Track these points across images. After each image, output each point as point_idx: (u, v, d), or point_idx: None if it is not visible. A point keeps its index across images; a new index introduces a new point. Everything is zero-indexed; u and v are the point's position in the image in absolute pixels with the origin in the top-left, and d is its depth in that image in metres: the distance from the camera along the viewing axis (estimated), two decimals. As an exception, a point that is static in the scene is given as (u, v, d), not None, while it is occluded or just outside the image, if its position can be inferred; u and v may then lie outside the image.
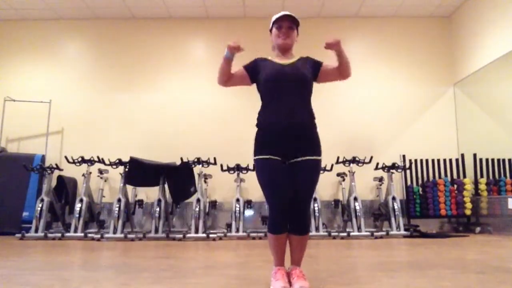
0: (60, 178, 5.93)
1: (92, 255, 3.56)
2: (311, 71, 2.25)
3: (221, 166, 5.61)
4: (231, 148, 6.40)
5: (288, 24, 2.25)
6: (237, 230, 5.26)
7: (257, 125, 2.19)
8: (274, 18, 2.26)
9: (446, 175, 6.30)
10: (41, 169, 5.63)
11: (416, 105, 6.76)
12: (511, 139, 5.84)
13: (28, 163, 5.74)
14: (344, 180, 6.12)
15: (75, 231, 5.16)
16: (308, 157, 2.08)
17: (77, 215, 5.22)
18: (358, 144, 6.53)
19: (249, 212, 6.19)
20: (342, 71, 2.32)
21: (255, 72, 2.25)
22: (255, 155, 2.13)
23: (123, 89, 6.79)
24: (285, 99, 2.11)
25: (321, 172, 5.60)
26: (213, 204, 6.05)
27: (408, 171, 6.31)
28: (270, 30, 2.32)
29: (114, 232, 5.07)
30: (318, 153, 2.13)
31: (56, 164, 5.67)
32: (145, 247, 4.20)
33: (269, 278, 2.31)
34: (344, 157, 5.69)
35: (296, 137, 2.08)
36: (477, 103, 6.40)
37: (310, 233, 5.19)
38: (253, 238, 5.18)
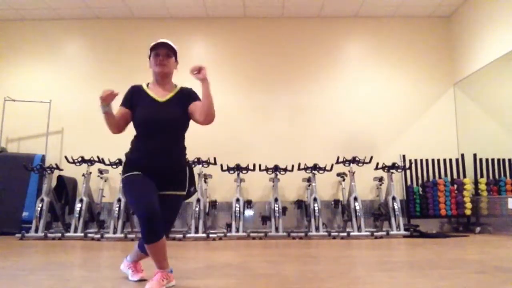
0: (60, 178, 5.92)
1: (92, 255, 3.56)
2: (185, 107, 2.23)
3: (221, 166, 5.61)
4: (231, 148, 6.40)
5: (165, 52, 2.23)
6: (237, 230, 5.26)
7: (126, 155, 2.22)
8: (151, 45, 2.25)
9: (446, 175, 6.30)
10: (41, 169, 5.63)
11: (416, 105, 6.76)
12: (511, 139, 5.84)
13: (28, 163, 5.74)
14: (344, 180, 6.12)
15: (75, 231, 5.16)
16: (171, 192, 2.16)
17: (77, 215, 5.22)
18: (358, 144, 6.53)
19: (249, 212, 6.19)
20: (203, 111, 2.14)
21: (132, 103, 2.25)
22: (123, 174, 2.16)
23: (123, 89, 6.76)
24: (155, 139, 2.14)
25: (319, 172, 5.66)
26: (213, 204, 6.05)
27: (408, 171, 6.31)
28: (149, 57, 2.28)
29: (114, 232, 5.06)
30: (183, 188, 2.22)
31: (56, 164, 5.67)
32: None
33: (269, 279, 2.32)
34: (344, 157, 5.69)
35: (162, 174, 2.12)
36: (477, 103, 6.40)
37: (310, 233, 5.21)
38: (253, 238, 5.18)
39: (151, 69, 2.29)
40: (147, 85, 2.32)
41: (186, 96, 2.28)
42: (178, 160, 2.21)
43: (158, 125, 2.14)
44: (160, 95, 2.23)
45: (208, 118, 2.15)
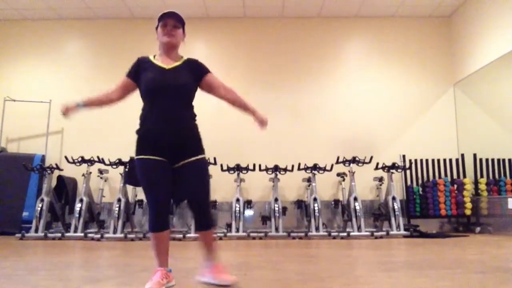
0: (60, 178, 5.93)
1: (92, 255, 3.56)
2: (193, 77, 2.21)
3: (221, 166, 5.61)
4: (231, 148, 6.40)
5: (173, 23, 2.23)
6: (237, 230, 5.26)
7: (137, 132, 2.20)
8: (159, 15, 2.25)
9: (446, 175, 6.30)
10: (41, 169, 5.63)
11: (416, 105, 6.76)
12: (511, 139, 5.84)
13: (28, 163, 5.74)
14: (344, 180, 6.12)
15: (75, 231, 5.16)
16: (190, 159, 2.11)
17: (77, 215, 5.22)
18: (358, 144, 6.53)
19: (249, 212, 6.19)
20: (230, 97, 2.36)
21: (138, 74, 2.23)
22: (136, 155, 2.14)
23: (123, 89, 6.78)
24: (163, 106, 2.10)
25: (319, 172, 5.66)
26: (213, 204, 6.05)
27: (408, 171, 6.31)
28: (156, 28, 2.27)
29: (114, 232, 5.06)
30: (201, 151, 2.17)
31: (56, 164, 5.67)
32: (145, 247, 4.20)
33: (269, 279, 2.32)
34: (344, 157, 5.69)
35: (175, 143, 2.08)
36: (477, 103, 6.40)
37: (310, 233, 5.20)
38: (253, 238, 5.18)
39: (158, 40, 2.26)
40: (154, 56, 2.28)
41: (194, 66, 2.26)
42: (189, 125, 2.16)
43: (164, 90, 2.09)
44: (166, 63, 2.20)
45: (230, 100, 2.31)
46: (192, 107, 2.21)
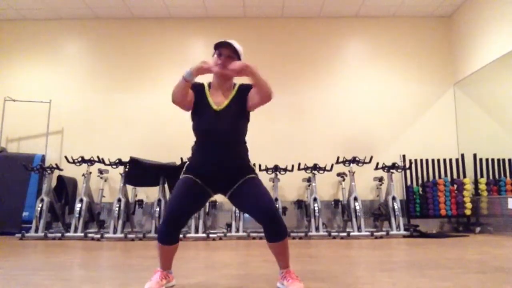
0: (60, 178, 5.93)
1: (92, 255, 3.56)
2: (243, 107, 2.16)
3: (221, 166, 5.60)
4: (231, 148, 6.38)
5: (227, 53, 2.14)
6: (237, 230, 5.26)
7: (188, 159, 2.20)
8: (215, 44, 2.18)
9: (446, 175, 6.30)
10: (41, 169, 5.63)
11: (416, 105, 6.76)
12: (511, 139, 5.84)
13: (28, 163, 5.74)
14: (344, 180, 6.12)
15: (75, 231, 5.16)
16: (241, 180, 2.08)
17: (77, 215, 5.22)
18: (358, 144, 6.53)
19: (249, 212, 6.18)
20: (257, 92, 2.07)
21: (196, 103, 2.17)
22: (183, 173, 2.15)
23: (123, 89, 6.79)
24: (215, 149, 2.08)
25: (319, 172, 5.66)
26: (213, 204, 6.05)
27: (408, 171, 6.31)
28: (213, 55, 2.21)
29: (114, 232, 5.07)
30: (251, 173, 2.12)
31: (56, 164, 5.67)
32: (145, 247, 4.20)
33: (269, 279, 2.32)
34: (344, 157, 5.69)
35: (224, 176, 2.09)
36: (477, 103, 6.40)
37: (310, 233, 5.20)
38: (253, 238, 5.18)
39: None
40: (209, 84, 2.23)
41: (243, 94, 2.17)
42: (241, 161, 2.15)
43: (216, 135, 2.08)
44: (218, 101, 2.15)
45: (264, 99, 2.06)
46: (244, 143, 2.19)
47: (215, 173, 2.09)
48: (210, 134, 2.10)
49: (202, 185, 2.09)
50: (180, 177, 2.14)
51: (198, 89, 2.20)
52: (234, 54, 2.15)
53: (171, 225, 1.98)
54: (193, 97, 2.16)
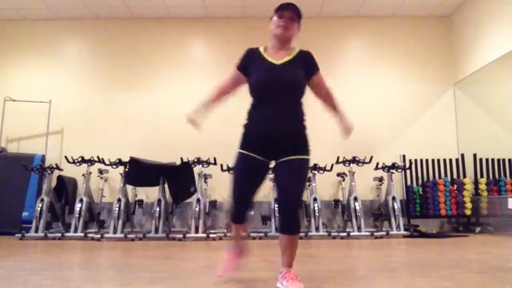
0: (60, 178, 5.92)
1: (92, 255, 3.56)
2: (304, 72, 2.12)
3: (221, 166, 5.61)
4: (231, 148, 6.36)
5: (290, 15, 2.11)
6: (237, 230, 5.25)
7: (244, 126, 2.16)
8: (277, 6, 2.14)
9: (446, 175, 6.30)
10: (41, 169, 5.63)
11: (416, 105, 6.76)
12: (511, 139, 5.84)
13: (28, 163, 5.74)
14: (344, 180, 6.11)
15: (75, 231, 5.16)
16: (292, 157, 2.03)
17: (77, 215, 5.22)
18: (358, 144, 6.52)
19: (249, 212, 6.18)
20: (327, 102, 2.28)
21: (248, 67, 2.16)
22: (238, 148, 2.14)
23: (123, 89, 6.79)
24: (272, 104, 2.04)
25: (319, 172, 5.66)
26: (213, 204, 6.05)
27: (408, 171, 6.31)
28: (271, 18, 2.17)
29: (114, 232, 5.07)
30: (305, 152, 2.06)
31: (56, 164, 5.67)
32: (145, 247, 4.20)
33: (269, 279, 2.32)
34: (344, 157, 5.69)
35: (280, 141, 2.03)
36: (477, 103, 6.40)
37: (311, 233, 5.20)
38: (253, 238, 5.18)
39: (270, 30, 2.16)
40: (265, 48, 2.19)
41: (305, 60, 2.15)
42: (297, 125, 2.08)
43: (275, 88, 2.02)
44: (277, 57, 2.10)
45: (326, 102, 2.26)
46: (301, 105, 2.14)
47: (271, 133, 2.02)
48: (270, 86, 2.04)
49: (259, 159, 2.06)
50: (237, 152, 2.12)
51: (251, 53, 2.19)
52: (296, 16, 2.14)
53: (241, 206, 2.14)
54: (243, 75, 2.17)
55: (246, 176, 2.08)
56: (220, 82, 2.25)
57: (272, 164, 2.13)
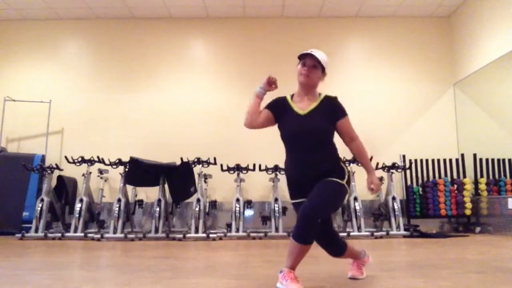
0: (60, 178, 5.92)
1: (92, 255, 3.56)
2: (329, 119, 2.22)
3: (221, 166, 5.61)
4: (231, 148, 6.39)
5: (311, 63, 2.22)
6: (237, 230, 5.26)
7: (285, 172, 2.34)
8: (300, 54, 2.26)
9: (446, 175, 6.29)
10: (41, 169, 5.63)
11: (416, 105, 6.75)
12: (511, 139, 5.84)
13: (28, 163, 5.74)
14: (344, 180, 6.10)
15: (75, 231, 5.16)
16: (323, 180, 2.10)
17: (77, 215, 5.22)
18: (358, 144, 6.52)
19: (249, 212, 6.19)
20: (355, 153, 2.35)
21: (278, 114, 2.29)
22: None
23: (123, 89, 6.79)
24: (301, 152, 2.17)
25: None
26: (213, 204, 6.05)
27: (408, 171, 6.31)
28: (297, 65, 2.30)
29: (114, 232, 5.06)
30: (333, 176, 2.11)
31: (56, 164, 5.67)
32: (145, 247, 4.20)
33: (269, 279, 2.32)
34: (344, 157, 5.68)
35: (309, 183, 2.11)
36: (477, 103, 6.40)
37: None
38: (253, 238, 5.18)
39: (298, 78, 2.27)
40: (292, 96, 2.33)
41: (330, 107, 2.26)
42: (326, 167, 2.15)
43: (302, 137, 2.17)
44: (302, 107, 2.24)
45: (352, 152, 2.33)
46: (332, 146, 2.22)
47: (301, 179, 2.16)
48: (297, 137, 2.18)
49: (303, 201, 2.08)
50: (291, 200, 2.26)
51: (279, 103, 2.32)
52: (318, 64, 2.24)
53: (310, 228, 2.02)
54: (272, 116, 2.28)
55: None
56: (260, 112, 2.36)
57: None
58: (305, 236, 1.98)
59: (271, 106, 2.31)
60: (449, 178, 6.19)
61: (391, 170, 5.59)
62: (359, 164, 2.34)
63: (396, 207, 5.31)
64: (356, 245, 4.17)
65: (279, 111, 2.28)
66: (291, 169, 2.23)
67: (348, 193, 5.68)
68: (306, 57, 2.22)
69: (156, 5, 6.55)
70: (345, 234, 5.12)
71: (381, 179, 5.97)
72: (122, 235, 5.02)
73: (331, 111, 2.24)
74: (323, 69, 2.27)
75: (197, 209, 5.24)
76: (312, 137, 2.16)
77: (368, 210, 6.16)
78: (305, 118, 2.19)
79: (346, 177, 2.16)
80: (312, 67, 2.22)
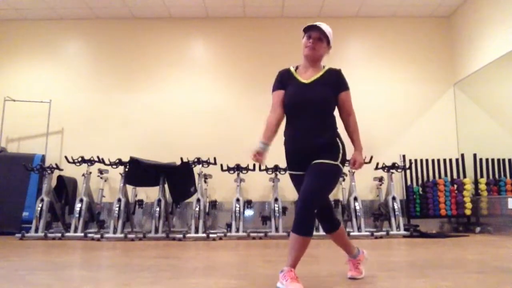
0: (60, 178, 5.92)
1: (92, 255, 3.56)
2: (332, 90, 2.23)
3: (221, 166, 5.61)
4: (231, 148, 6.39)
5: (316, 35, 2.22)
6: (237, 230, 5.26)
7: (284, 144, 2.31)
8: (304, 27, 2.25)
9: (446, 175, 6.30)
10: (41, 169, 5.63)
11: (416, 105, 6.76)
12: (511, 139, 5.84)
13: (28, 163, 5.74)
14: (344, 180, 6.11)
15: (75, 231, 5.16)
16: (316, 161, 2.11)
17: (77, 215, 5.22)
18: (358, 144, 6.52)
19: (249, 212, 6.19)
20: (347, 126, 2.31)
21: (284, 87, 2.28)
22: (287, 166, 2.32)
23: (123, 89, 6.79)
24: (302, 121, 2.17)
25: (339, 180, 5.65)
26: (213, 204, 6.05)
27: (408, 171, 6.31)
28: (303, 38, 2.29)
29: (114, 232, 5.06)
30: (330, 158, 2.11)
31: (56, 164, 5.67)
32: (145, 247, 4.20)
33: (269, 278, 2.32)
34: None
35: (309, 154, 2.14)
36: (477, 103, 6.40)
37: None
38: (253, 238, 5.18)
39: (302, 51, 2.27)
40: (296, 68, 2.32)
41: (334, 78, 2.27)
42: (325, 136, 2.16)
43: (303, 106, 2.16)
44: (306, 77, 2.24)
45: (346, 126, 2.30)
46: (332, 118, 2.22)
47: (301, 150, 2.16)
48: (299, 105, 2.17)
49: (302, 174, 2.14)
50: (287, 170, 2.32)
51: (284, 73, 2.32)
52: (323, 36, 2.23)
53: (305, 217, 2.06)
54: (283, 89, 2.27)
55: (298, 189, 2.16)
56: (270, 115, 2.29)
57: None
58: (305, 228, 2.00)
59: (278, 84, 2.30)
60: (449, 178, 6.19)
61: (391, 170, 5.59)
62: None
63: (396, 207, 5.31)
64: (356, 245, 4.15)
65: (285, 83, 2.27)
66: (290, 138, 2.23)
67: (348, 193, 5.72)
68: (311, 30, 2.22)
69: (156, 5, 6.55)
70: (345, 234, 5.12)
71: (381, 179, 5.98)
72: (122, 235, 5.02)
73: (335, 83, 2.26)
74: (328, 42, 2.27)
75: (197, 209, 5.24)
76: (314, 105, 2.16)
77: (368, 210, 6.16)
78: (308, 87, 2.20)
79: (341, 156, 2.16)
80: (318, 39, 2.23)
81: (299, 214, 2.00)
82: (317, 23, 2.22)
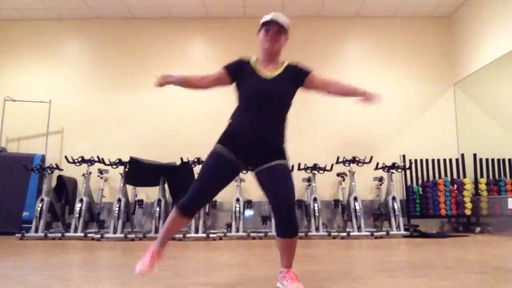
0: (60, 178, 5.93)
1: (92, 255, 3.56)
2: (293, 85, 2.18)
3: (221, 166, 5.60)
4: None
5: (276, 29, 2.15)
6: (237, 230, 5.26)
7: (228, 126, 2.18)
8: (262, 20, 2.20)
9: (446, 175, 6.30)
10: (41, 169, 5.63)
11: (416, 105, 6.76)
12: (511, 139, 5.84)
13: (28, 163, 5.74)
14: (344, 180, 6.11)
15: (75, 231, 5.16)
16: (276, 162, 2.06)
17: (77, 215, 5.22)
18: (358, 144, 6.53)
19: (249, 212, 6.19)
20: (338, 93, 2.31)
21: (238, 75, 2.20)
22: (216, 143, 2.14)
23: (123, 89, 6.79)
24: (258, 115, 2.08)
25: (319, 172, 5.66)
26: (213, 204, 6.05)
27: (408, 171, 6.31)
28: (258, 32, 2.23)
29: (114, 232, 5.07)
30: (285, 158, 2.11)
31: (56, 164, 5.67)
32: (145, 247, 4.19)
33: (269, 279, 2.32)
34: (344, 157, 5.69)
35: (261, 151, 2.07)
36: (477, 103, 6.40)
37: (311, 233, 5.20)
38: (253, 238, 5.18)
39: (259, 44, 2.22)
40: (256, 59, 2.25)
41: (294, 72, 2.20)
42: (279, 140, 2.13)
43: (263, 100, 2.08)
44: (266, 72, 2.16)
45: (339, 93, 2.30)
46: (285, 120, 2.17)
47: (255, 141, 2.06)
48: (260, 98, 2.09)
49: (234, 160, 2.07)
50: (214, 148, 2.12)
51: (240, 66, 2.23)
52: (283, 29, 2.18)
53: (196, 201, 2.05)
54: (229, 78, 2.21)
55: (214, 178, 2.06)
56: (202, 75, 2.25)
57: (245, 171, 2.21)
58: (296, 229, 2.01)
59: (230, 68, 2.22)
60: (449, 178, 6.19)
61: (391, 170, 5.59)
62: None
63: (396, 207, 5.31)
64: (356, 245, 4.17)
65: (239, 73, 2.19)
66: (243, 125, 2.10)
67: (348, 193, 5.72)
68: (270, 24, 2.17)
69: (156, 5, 6.55)
70: (345, 234, 5.13)
71: (381, 179, 5.98)
72: (122, 235, 5.02)
73: (296, 76, 2.19)
74: (286, 35, 2.21)
75: (197, 209, 5.24)
76: (275, 102, 2.10)
77: (368, 210, 6.16)
78: (269, 83, 2.12)
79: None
80: (276, 33, 2.17)
81: (290, 218, 1.97)
82: (275, 15, 2.16)
